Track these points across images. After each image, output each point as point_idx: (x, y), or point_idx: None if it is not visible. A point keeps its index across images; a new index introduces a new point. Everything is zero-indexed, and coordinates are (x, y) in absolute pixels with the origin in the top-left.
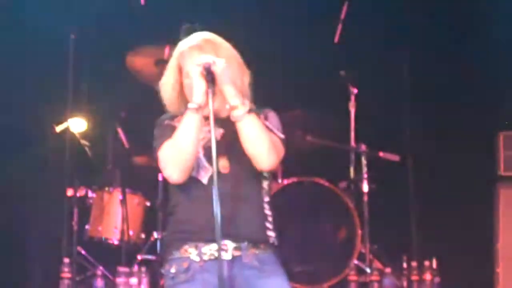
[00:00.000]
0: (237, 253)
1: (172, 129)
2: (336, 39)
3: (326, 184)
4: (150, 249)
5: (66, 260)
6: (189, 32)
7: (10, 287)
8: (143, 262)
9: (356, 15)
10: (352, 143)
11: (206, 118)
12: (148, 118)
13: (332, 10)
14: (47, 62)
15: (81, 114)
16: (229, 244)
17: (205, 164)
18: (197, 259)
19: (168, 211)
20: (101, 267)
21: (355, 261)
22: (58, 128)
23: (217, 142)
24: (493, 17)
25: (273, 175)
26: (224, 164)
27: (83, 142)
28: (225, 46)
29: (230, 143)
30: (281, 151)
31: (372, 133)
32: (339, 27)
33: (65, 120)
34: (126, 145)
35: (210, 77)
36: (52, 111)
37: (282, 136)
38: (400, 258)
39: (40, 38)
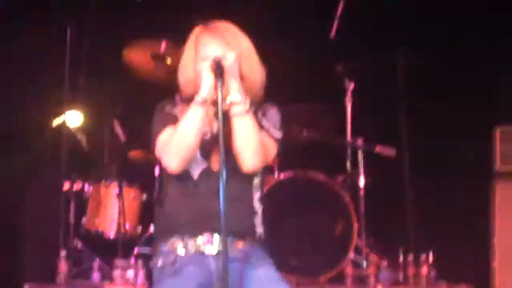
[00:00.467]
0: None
1: (173, 117)
2: (332, 35)
3: (323, 178)
4: (146, 242)
5: (63, 253)
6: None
7: (6, 280)
8: (140, 255)
9: (354, 10)
10: (349, 137)
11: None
12: (144, 111)
13: (329, 5)
14: (44, 56)
15: (78, 107)
16: (216, 238)
17: (198, 158)
18: (183, 252)
19: (158, 202)
20: (97, 260)
21: (352, 255)
22: (55, 122)
23: (212, 138)
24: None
25: (269, 169)
26: (216, 160)
27: (80, 135)
28: (244, 39)
29: (224, 140)
30: (272, 152)
31: (369, 127)
32: (335, 22)
33: (62, 113)
34: (123, 138)
35: (219, 71)
36: (48, 105)
37: (278, 135)
38: (397, 251)
39: (37, 32)
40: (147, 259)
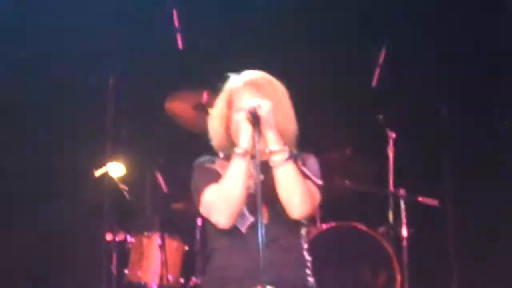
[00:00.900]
0: None
1: (214, 172)
2: (374, 83)
3: (365, 228)
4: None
5: None
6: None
7: None
8: None
9: (395, 59)
10: (391, 187)
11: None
12: (186, 162)
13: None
14: (87, 106)
15: (120, 158)
16: None
17: (245, 213)
18: None
19: (206, 256)
20: None
21: None
22: (97, 173)
23: (256, 191)
24: None
25: (312, 220)
26: (263, 213)
27: (122, 186)
28: (279, 86)
29: (268, 191)
30: (317, 198)
31: (411, 177)
32: (377, 71)
33: (104, 164)
34: (165, 189)
35: (256, 121)
36: (91, 156)
37: (320, 182)
38: None
39: (80, 82)
40: None
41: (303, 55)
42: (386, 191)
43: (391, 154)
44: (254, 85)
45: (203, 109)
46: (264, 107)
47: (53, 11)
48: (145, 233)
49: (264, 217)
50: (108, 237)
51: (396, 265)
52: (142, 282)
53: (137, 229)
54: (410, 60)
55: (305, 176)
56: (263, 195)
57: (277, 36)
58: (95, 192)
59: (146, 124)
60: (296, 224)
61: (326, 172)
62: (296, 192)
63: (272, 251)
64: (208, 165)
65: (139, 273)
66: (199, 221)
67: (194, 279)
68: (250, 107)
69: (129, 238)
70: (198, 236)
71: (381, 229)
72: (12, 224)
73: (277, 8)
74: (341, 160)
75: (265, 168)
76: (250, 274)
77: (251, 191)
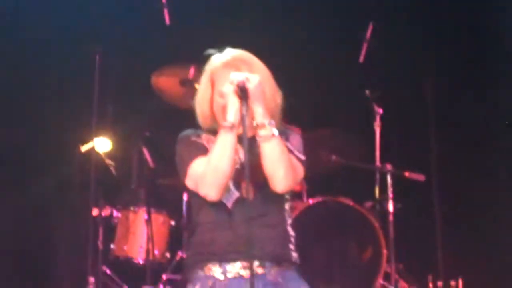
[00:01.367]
0: (261, 271)
1: (199, 146)
2: (361, 59)
3: (351, 203)
4: (175, 269)
5: (92, 279)
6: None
7: None
8: (168, 282)
9: (382, 34)
10: (377, 163)
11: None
12: (173, 138)
13: (358, 30)
14: (72, 82)
15: (106, 133)
16: (254, 263)
17: (230, 188)
18: (222, 277)
19: (190, 230)
20: (126, 287)
21: (381, 281)
22: (84, 148)
23: (242, 166)
24: None
25: (298, 195)
26: (248, 189)
27: (108, 161)
28: (259, 64)
29: (254, 167)
30: (300, 173)
31: (397, 152)
32: (364, 46)
33: (91, 140)
34: (151, 164)
35: (243, 94)
36: (77, 131)
37: (302, 157)
38: (426, 278)
39: (65, 58)
40: (175, 285)
41: (290, 30)
42: (373, 166)
43: (377, 130)
44: (233, 65)
45: (189, 84)
46: (253, 81)
47: None
48: (131, 208)
49: (249, 193)
50: (94, 212)
51: (382, 240)
52: (129, 257)
53: (123, 204)
54: (397, 35)
55: (289, 151)
56: (249, 172)
57: (264, 11)
58: (81, 168)
59: (132, 99)
60: (281, 199)
61: (313, 147)
62: (282, 165)
63: (257, 226)
64: (193, 138)
65: (125, 247)
66: (185, 196)
67: (180, 254)
68: (238, 80)
69: (115, 213)
70: (184, 210)
71: (368, 204)
72: None
73: None
74: (328, 135)
75: (250, 144)
76: (235, 248)
77: (237, 166)
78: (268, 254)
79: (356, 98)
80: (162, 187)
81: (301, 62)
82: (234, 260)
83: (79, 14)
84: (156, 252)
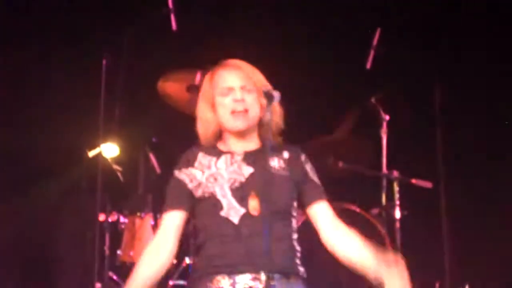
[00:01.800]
0: (272, 283)
1: (177, 190)
2: (368, 65)
3: (358, 210)
4: (181, 275)
5: (98, 285)
6: None
7: None
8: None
9: (389, 41)
10: (384, 169)
11: (229, 154)
12: (180, 143)
13: (365, 36)
14: (79, 87)
15: (114, 139)
16: (263, 276)
17: (235, 206)
18: None
19: (197, 246)
20: None
21: None
22: (91, 153)
23: (247, 182)
24: None
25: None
26: (254, 206)
27: (115, 167)
28: (260, 76)
29: (259, 183)
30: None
31: (404, 159)
32: (371, 53)
33: (98, 145)
34: (158, 170)
35: (269, 98)
36: (84, 136)
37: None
38: (433, 285)
39: (73, 63)
40: None
41: (296, 36)
42: (380, 173)
43: (384, 136)
44: (234, 65)
45: (196, 90)
46: (276, 94)
47: None
48: (138, 214)
49: (256, 210)
50: (101, 217)
51: (389, 247)
52: (135, 263)
53: (130, 210)
54: (404, 42)
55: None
56: (254, 187)
57: (271, 18)
58: (88, 173)
59: (139, 105)
60: (286, 215)
61: (320, 153)
62: None
63: (264, 239)
64: (180, 174)
65: (131, 253)
66: None
67: (186, 260)
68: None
69: (122, 219)
70: (191, 217)
71: (374, 211)
72: (4, 205)
73: None
74: (335, 142)
75: (254, 159)
76: (244, 261)
77: (237, 185)
78: (277, 267)
79: (363, 104)
80: None
81: (308, 68)
82: (243, 272)
83: (89, 18)
84: None
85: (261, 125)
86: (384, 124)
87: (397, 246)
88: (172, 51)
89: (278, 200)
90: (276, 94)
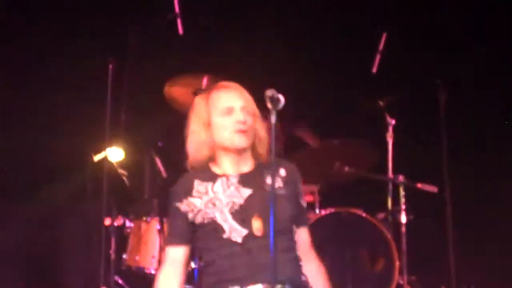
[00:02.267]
0: None
1: (177, 219)
2: (374, 70)
3: (364, 215)
4: (187, 279)
5: None
6: None
7: None
8: None
9: (395, 45)
10: (390, 174)
11: (224, 177)
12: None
13: (371, 40)
14: (85, 91)
15: (119, 143)
16: (279, 286)
17: (237, 228)
18: None
19: (202, 266)
20: None
21: None
22: (96, 157)
23: (246, 204)
24: None
25: (311, 206)
26: (257, 226)
27: (121, 171)
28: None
29: (259, 204)
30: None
31: (410, 163)
32: (377, 57)
33: (103, 149)
34: (164, 174)
35: (274, 104)
36: (90, 140)
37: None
38: None
39: (79, 68)
40: None
41: (302, 40)
42: (386, 177)
43: (390, 141)
44: (229, 86)
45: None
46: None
47: None
48: (144, 218)
49: (259, 231)
50: (107, 222)
51: (394, 252)
52: (141, 267)
53: (136, 214)
54: (410, 45)
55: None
56: (254, 208)
57: (277, 23)
58: (94, 177)
59: (145, 109)
60: (290, 234)
61: (326, 158)
62: None
63: (269, 253)
64: (182, 206)
65: (137, 258)
66: None
67: (192, 264)
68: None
69: (127, 223)
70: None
71: (380, 215)
72: (10, 208)
73: None
74: (341, 146)
75: (253, 181)
76: (255, 272)
77: (236, 208)
78: (287, 278)
79: (369, 108)
80: None
81: (314, 73)
82: (255, 282)
83: (93, 23)
84: None
85: (253, 147)
86: (390, 129)
87: (402, 250)
88: (179, 55)
89: (280, 219)
90: (282, 98)
